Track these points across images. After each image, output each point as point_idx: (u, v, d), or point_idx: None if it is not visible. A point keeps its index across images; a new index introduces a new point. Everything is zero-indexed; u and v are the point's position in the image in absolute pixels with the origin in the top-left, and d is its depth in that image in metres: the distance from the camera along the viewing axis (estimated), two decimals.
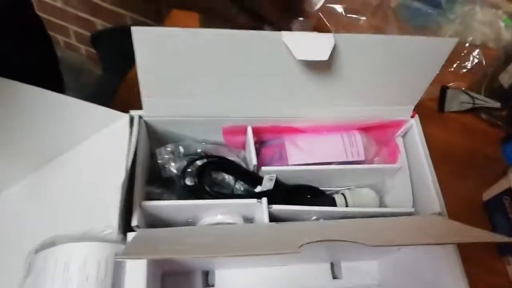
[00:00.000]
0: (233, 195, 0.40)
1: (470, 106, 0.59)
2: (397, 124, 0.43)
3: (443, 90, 0.61)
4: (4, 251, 0.40)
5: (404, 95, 0.41)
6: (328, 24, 0.61)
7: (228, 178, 0.41)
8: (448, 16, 0.62)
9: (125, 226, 0.35)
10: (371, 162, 0.43)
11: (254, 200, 0.37)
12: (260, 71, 0.36)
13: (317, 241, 0.27)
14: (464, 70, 0.62)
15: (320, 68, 0.36)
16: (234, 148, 0.44)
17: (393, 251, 0.43)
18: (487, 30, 0.64)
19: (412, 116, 0.43)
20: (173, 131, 0.41)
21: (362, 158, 0.41)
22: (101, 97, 0.45)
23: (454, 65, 0.63)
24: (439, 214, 0.38)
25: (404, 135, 0.44)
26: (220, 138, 0.43)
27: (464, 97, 0.58)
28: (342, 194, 0.44)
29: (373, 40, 0.35)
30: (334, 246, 0.38)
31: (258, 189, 0.40)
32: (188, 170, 0.39)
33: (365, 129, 0.43)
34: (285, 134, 0.42)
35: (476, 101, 0.57)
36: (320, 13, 0.61)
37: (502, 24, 0.65)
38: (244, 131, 0.41)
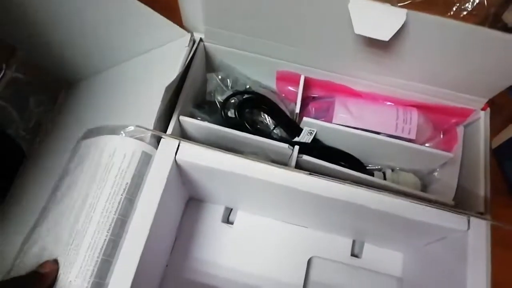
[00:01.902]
0: (269, 137, 0.39)
1: None
2: (464, 113, 0.39)
3: None
4: (63, 136, 0.45)
5: (479, 86, 0.37)
6: None
7: (269, 120, 0.40)
8: None
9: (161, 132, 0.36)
10: (423, 145, 0.40)
11: (286, 145, 0.37)
12: (323, 24, 0.34)
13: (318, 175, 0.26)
14: (465, 13, 0.56)
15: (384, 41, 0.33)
16: (285, 98, 0.44)
17: (422, 245, 0.40)
18: None
19: (483, 109, 0.39)
20: (230, 63, 0.42)
21: (412, 136, 0.39)
22: None
23: (454, 8, 0.56)
24: (482, 214, 0.34)
25: (467, 126, 0.40)
26: (273, 85, 0.43)
27: None
28: (383, 172, 0.42)
29: (452, 26, 0.32)
30: (365, 218, 0.36)
31: (296, 139, 0.40)
32: (231, 101, 0.39)
33: (426, 109, 0.40)
34: (339, 93, 0.41)
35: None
36: None
37: None
38: (297, 81, 0.41)
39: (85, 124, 0.41)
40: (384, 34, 0.30)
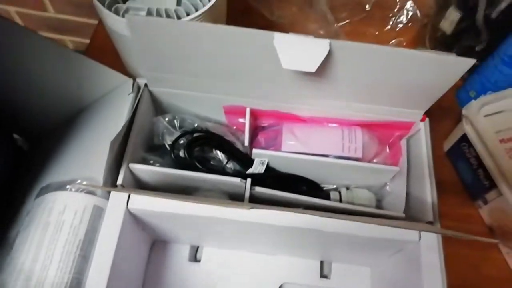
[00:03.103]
0: (222, 172, 0.40)
1: None
2: (404, 126, 0.41)
3: None
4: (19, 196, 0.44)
5: (415, 100, 0.39)
6: (255, 6, 0.60)
7: (221, 155, 0.41)
8: None
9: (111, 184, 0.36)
10: (371, 162, 0.41)
11: (238, 179, 0.37)
12: (255, 61, 0.35)
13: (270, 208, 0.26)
14: (401, 25, 0.60)
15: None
16: (236, 130, 0.44)
17: (385, 258, 0.41)
18: None
19: (422, 120, 0.41)
20: (177, 104, 0.43)
21: (359, 155, 0.40)
22: None
23: (390, 22, 0.61)
24: (431, 223, 0.36)
25: (410, 138, 0.42)
26: (223, 118, 0.44)
27: None
28: (338, 191, 0.43)
29: (375, 50, 0.33)
30: (324, 240, 0.37)
31: (249, 171, 0.40)
32: (180, 142, 0.40)
33: (370, 126, 0.41)
34: (285, 121, 0.42)
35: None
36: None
37: None
38: (243, 113, 0.42)
39: (39, 183, 0.40)
40: (310, 66, 0.31)
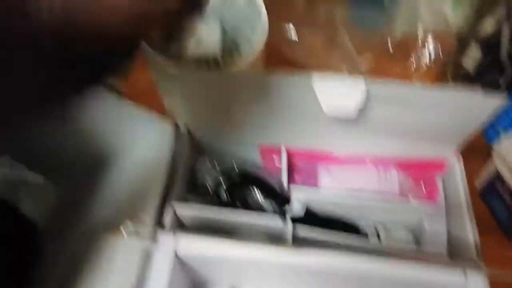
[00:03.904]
0: (261, 211, 0.41)
1: None
2: (438, 164, 0.42)
3: None
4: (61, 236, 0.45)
5: (447, 136, 0.40)
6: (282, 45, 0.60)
7: (259, 195, 0.42)
8: (394, 14, 0.62)
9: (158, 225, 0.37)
10: (407, 200, 0.42)
11: (278, 220, 0.38)
12: (294, 109, 0.37)
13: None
14: (423, 63, 0.61)
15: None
16: (270, 170, 0.45)
17: None
18: (435, 20, 0.62)
19: (455, 157, 0.41)
20: (216, 145, 0.44)
21: (396, 192, 0.41)
22: None
23: (413, 60, 0.61)
24: (474, 260, 0.36)
25: (444, 175, 0.42)
26: (258, 160, 0.45)
27: None
28: (376, 231, 0.43)
29: (410, 90, 0.35)
30: (367, 283, 0.37)
31: (287, 210, 0.41)
32: (222, 183, 0.41)
33: (403, 166, 0.42)
34: (320, 160, 0.43)
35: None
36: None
37: (449, 10, 0.63)
38: (279, 153, 0.43)
39: (81, 224, 0.41)
40: (351, 112, 0.33)
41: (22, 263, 0.45)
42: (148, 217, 0.37)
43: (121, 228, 0.36)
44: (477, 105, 0.36)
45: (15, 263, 0.44)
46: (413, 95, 0.35)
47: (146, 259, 0.35)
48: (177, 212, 0.39)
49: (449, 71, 0.61)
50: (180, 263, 0.37)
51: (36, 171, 0.53)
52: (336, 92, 0.34)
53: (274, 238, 0.41)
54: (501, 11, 0.53)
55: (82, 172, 0.50)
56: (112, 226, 0.37)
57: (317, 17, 0.64)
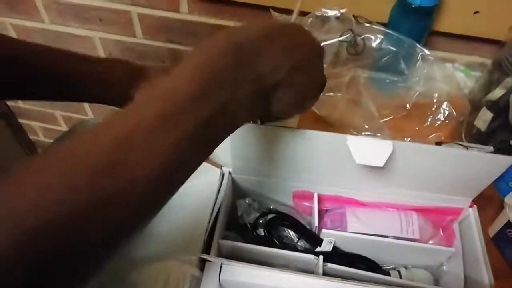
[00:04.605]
0: (294, 249, 0.46)
1: None
2: (455, 211, 0.46)
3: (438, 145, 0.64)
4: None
5: (463, 188, 0.45)
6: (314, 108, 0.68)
7: (293, 234, 0.47)
8: (411, 80, 0.68)
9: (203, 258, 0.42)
10: (427, 243, 0.46)
11: (312, 256, 0.43)
12: (330, 158, 0.43)
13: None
14: (439, 122, 0.67)
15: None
16: (302, 212, 0.51)
17: None
18: (448, 84, 0.69)
19: (471, 206, 0.46)
20: (254, 189, 0.50)
21: (417, 236, 0.45)
22: None
23: (429, 119, 0.68)
24: None
25: (461, 222, 0.47)
26: (291, 202, 0.51)
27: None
28: (398, 271, 0.47)
29: (429, 150, 0.41)
30: None
31: (318, 249, 0.46)
32: (260, 221, 0.46)
33: (423, 212, 0.47)
34: (347, 205, 0.48)
35: (469, 149, 0.61)
36: None
37: (461, 75, 0.73)
38: (311, 197, 0.48)
39: (125, 256, 0.47)
40: (378, 162, 0.39)
41: None
42: (197, 250, 0.42)
43: (175, 258, 0.42)
44: (489, 164, 0.41)
45: None
46: (432, 153, 0.41)
47: (195, 284, 0.40)
48: (220, 247, 0.44)
49: (463, 131, 0.66)
50: None
51: None
52: (367, 146, 0.40)
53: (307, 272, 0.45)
54: (508, 81, 0.60)
55: None
56: (165, 257, 0.43)
57: (341, 79, 0.72)
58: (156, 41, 0.92)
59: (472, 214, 0.45)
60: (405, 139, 0.67)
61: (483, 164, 0.41)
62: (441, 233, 0.46)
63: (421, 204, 0.46)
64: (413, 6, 0.66)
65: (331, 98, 0.71)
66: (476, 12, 0.72)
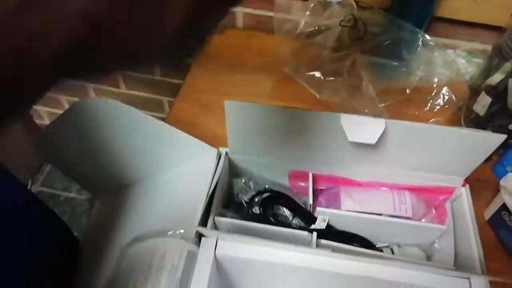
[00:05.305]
0: (290, 226, 0.47)
1: None
2: (447, 191, 0.47)
3: None
4: (106, 244, 0.52)
5: (456, 168, 0.46)
6: (311, 89, 0.70)
7: (288, 212, 0.48)
8: (412, 65, 0.69)
9: (200, 234, 0.44)
10: (419, 221, 0.47)
11: (306, 233, 0.44)
12: (323, 137, 0.44)
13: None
14: (438, 107, 0.69)
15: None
16: (297, 192, 0.52)
17: None
18: (449, 69, 0.70)
19: (463, 185, 0.47)
20: (250, 169, 0.51)
21: (409, 215, 0.46)
22: None
23: (429, 104, 0.69)
24: (478, 271, 0.40)
25: (453, 201, 0.47)
26: (286, 182, 0.52)
27: None
28: (391, 249, 0.48)
29: (422, 128, 0.42)
30: None
31: (312, 226, 0.47)
32: (256, 200, 0.47)
33: (416, 190, 0.48)
34: (342, 184, 0.49)
35: None
36: (301, 80, 0.70)
37: (463, 61, 0.73)
38: (306, 177, 0.49)
39: (128, 233, 0.48)
40: (371, 139, 0.39)
41: (65, 270, 0.52)
42: (193, 226, 0.43)
43: (171, 233, 0.43)
44: (480, 143, 0.42)
45: (59, 270, 0.51)
46: (424, 132, 0.42)
47: (191, 259, 0.41)
48: (216, 224, 0.45)
49: (462, 115, 0.67)
50: (218, 265, 0.43)
51: (83, 188, 0.61)
52: (360, 124, 0.41)
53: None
54: (508, 66, 0.60)
55: (127, 186, 0.57)
56: (162, 232, 0.44)
57: (343, 64, 0.73)
58: None
59: (464, 193, 0.46)
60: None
61: (474, 142, 0.41)
62: (434, 211, 0.47)
63: (414, 184, 0.47)
64: None
65: (332, 82, 0.72)
66: None
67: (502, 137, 0.40)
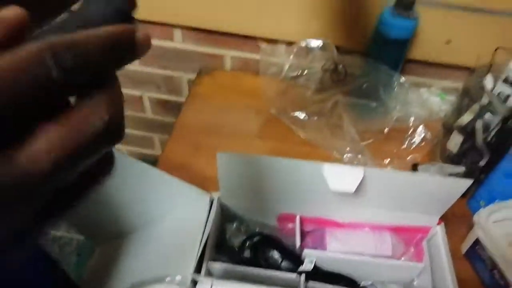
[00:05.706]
0: (279, 269, 0.50)
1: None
2: (424, 230, 0.51)
3: (414, 167, 0.69)
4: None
5: (431, 208, 0.50)
6: (296, 129, 0.76)
7: (277, 255, 0.51)
8: (389, 106, 0.74)
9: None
10: (399, 260, 0.51)
11: (294, 275, 0.47)
12: (308, 185, 0.48)
13: None
14: (414, 145, 0.74)
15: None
16: (285, 234, 0.55)
17: None
18: (423, 109, 0.76)
19: (438, 223, 0.51)
20: (240, 212, 0.54)
21: (389, 253, 0.49)
22: None
23: (406, 142, 0.74)
24: None
25: (429, 239, 0.51)
26: (276, 224, 0.55)
27: (434, 168, 0.66)
28: (376, 287, 0.52)
29: (397, 176, 0.46)
30: None
31: (300, 268, 0.50)
32: (247, 243, 0.50)
33: (395, 230, 0.51)
34: (327, 226, 0.53)
35: (443, 168, 0.66)
36: (287, 120, 0.75)
37: (437, 99, 0.78)
38: (294, 219, 0.53)
39: (123, 279, 0.51)
40: (350, 188, 0.43)
41: None
42: (188, 271, 0.46)
43: (169, 279, 0.46)
44: (450, 186, 0.46)
45: None
46: (399, 179, 0.46)
47: None
48: (210, 269, 0.48)
49: (438, 151, 0.71)
50: None
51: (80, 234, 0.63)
52: (341, 173, 0.45)
53: None
54: (475, 107, 0.65)
55: (124, 234, 0.60)
56: (159, 278, 0.47)
57: (325, 105, 0.78)
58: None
59: (439, 232, 0.50)
60: (384, 160, 0.71)
61: (444, 187, 0.46)
62: (412, 250, 0.51)
63: (393, 223, 0.51)
64: (389, 38, 0.72)
65: (315, 122, 0.76)
66: (448, 42, 0.78)
67: (468, 182, 0.45)
